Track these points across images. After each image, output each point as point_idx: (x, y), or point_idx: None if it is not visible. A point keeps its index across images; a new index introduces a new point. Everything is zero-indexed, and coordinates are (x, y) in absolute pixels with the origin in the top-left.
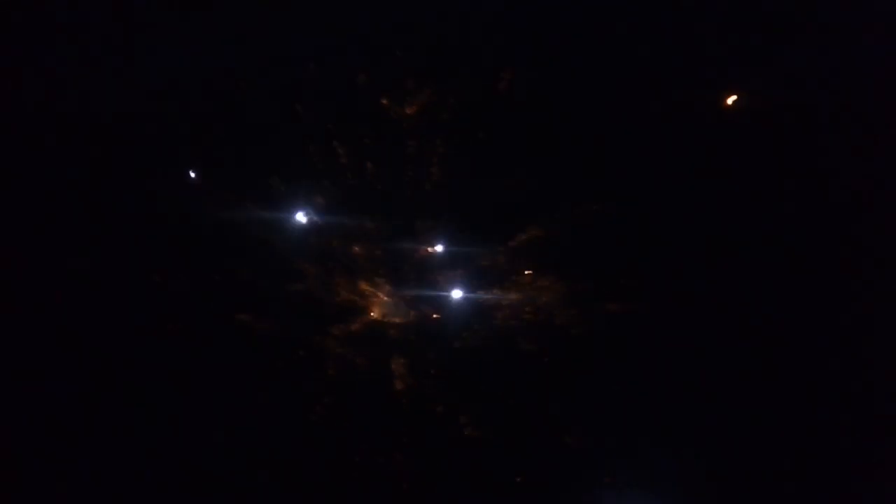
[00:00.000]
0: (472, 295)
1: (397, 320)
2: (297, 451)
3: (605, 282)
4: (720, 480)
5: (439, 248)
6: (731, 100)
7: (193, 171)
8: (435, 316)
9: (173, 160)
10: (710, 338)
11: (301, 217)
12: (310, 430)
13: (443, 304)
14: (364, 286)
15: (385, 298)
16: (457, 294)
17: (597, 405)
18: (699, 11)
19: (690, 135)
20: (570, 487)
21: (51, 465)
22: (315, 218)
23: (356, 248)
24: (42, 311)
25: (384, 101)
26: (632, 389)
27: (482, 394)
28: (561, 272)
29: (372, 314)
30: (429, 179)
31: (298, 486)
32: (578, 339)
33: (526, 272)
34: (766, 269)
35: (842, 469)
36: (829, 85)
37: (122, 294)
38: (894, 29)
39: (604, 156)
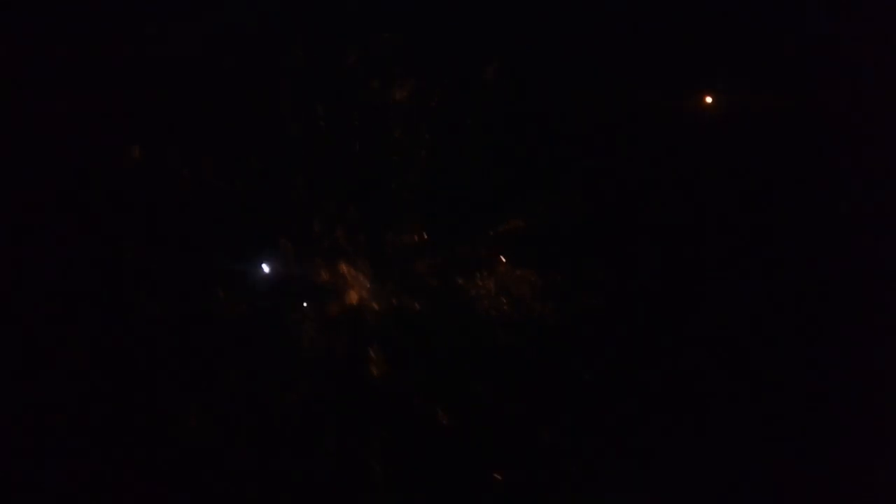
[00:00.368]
0: (451, 284)
1: (375, 306)
2: (268, 435)
3: (582, 275)
4: (694, 477)
5: (422, 235)
6: (708, 99)
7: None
8: (415, 305)
9: (150, 138)
10: (685, 334)
11: (282, 196)
12: (281, 415)
13: (422, 291)
14: (344, 269)
15: (365, 283)
16: (436, 282)
17: (571, 399)
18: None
19: (671, 133)
20: (546, 482)
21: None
22: (297, 198)
23: (338, 231)
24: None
25: (372, 85)
26: (607, 384)
27: (459, 384)
28: (539, 264)
29: (350, 298)
30: (414, 166)
31: (268, 472)
32: (555, 331)
33: (504, 263)
34: (743, 264)
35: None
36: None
37: (95, 272)
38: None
39: (586, 151)
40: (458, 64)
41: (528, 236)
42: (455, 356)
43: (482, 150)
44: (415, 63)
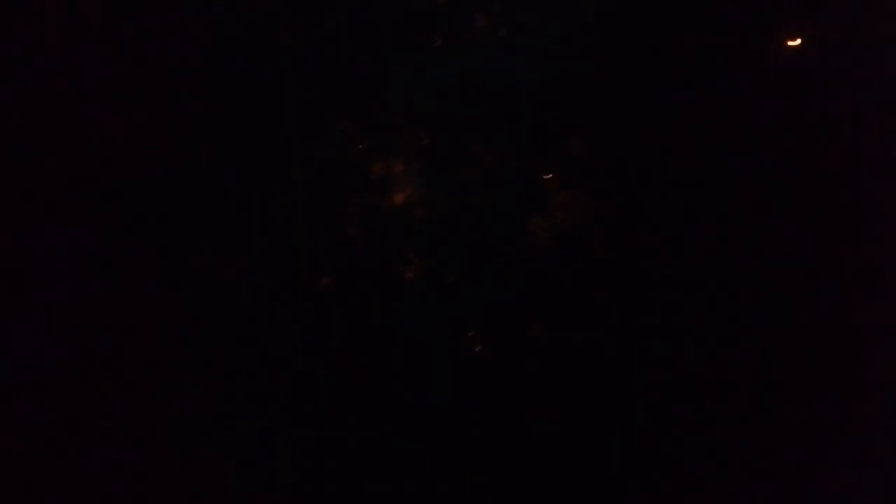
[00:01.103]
0: (502, 202)
1: (422, 212)
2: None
3: (639, 207)
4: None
5: (487, 150)
6: (794, 42)
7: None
8: (461, 215)
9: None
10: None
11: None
12: (308, 306)
13: (471, 204)
14: (399, 166)
15: (416, 186)
16: (487, 196)
17: (609, 333)
18: None
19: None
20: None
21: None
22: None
23: (399, 125)
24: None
25: None
26: (646, 322)
27: (491, 300)
28: (595, 191)
29: (397, 197)
30: (489, 76)
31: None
32: (600, 261)
33: (556, 185)
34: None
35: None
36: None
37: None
38: None
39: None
40: None
41: (591, 161)
42: (492, 272)
43: (558, 66)
44: None
